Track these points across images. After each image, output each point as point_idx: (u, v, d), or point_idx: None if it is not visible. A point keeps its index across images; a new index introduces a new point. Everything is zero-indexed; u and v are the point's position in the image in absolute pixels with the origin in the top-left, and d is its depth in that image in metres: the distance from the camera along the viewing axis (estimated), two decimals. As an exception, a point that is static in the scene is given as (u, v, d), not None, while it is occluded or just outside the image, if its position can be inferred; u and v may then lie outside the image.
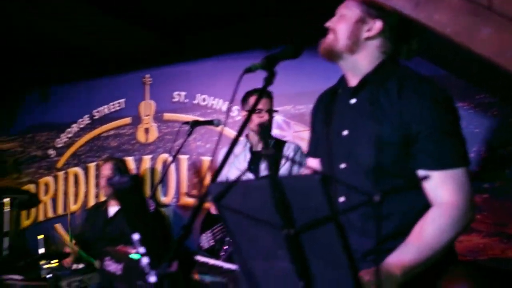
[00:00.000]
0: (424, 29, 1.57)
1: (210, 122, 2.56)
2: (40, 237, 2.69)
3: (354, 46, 1.31)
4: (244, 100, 2.60)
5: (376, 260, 1.13)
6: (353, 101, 1.34)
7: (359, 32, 1.30)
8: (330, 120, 1.38)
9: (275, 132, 3.21)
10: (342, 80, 1.43)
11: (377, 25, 1.31)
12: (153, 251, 1.12)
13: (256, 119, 2.48)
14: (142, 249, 1.14)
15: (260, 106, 2.47)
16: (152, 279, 1.15)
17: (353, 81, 1.36)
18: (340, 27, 1.31)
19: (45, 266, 2.49)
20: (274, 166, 2.52)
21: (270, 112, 2.50)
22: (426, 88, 1.22)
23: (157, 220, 3.36)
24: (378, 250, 1.14)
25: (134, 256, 1.52)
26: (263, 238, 0.89)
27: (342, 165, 1.31)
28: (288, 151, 2.53)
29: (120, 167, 3.36)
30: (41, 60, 4.43)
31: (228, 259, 2.58)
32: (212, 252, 2.72)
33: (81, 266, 3.38)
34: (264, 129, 0.73)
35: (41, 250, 2.63)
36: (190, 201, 3.70)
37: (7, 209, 2.52)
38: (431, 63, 2.55)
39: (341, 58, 1.34)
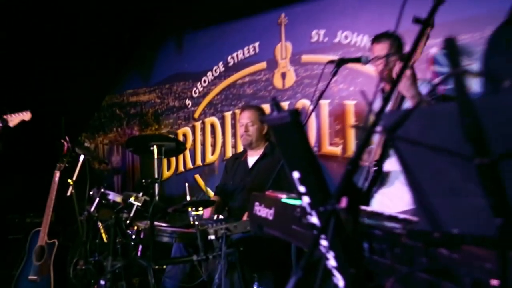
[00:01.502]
0: None
1: (357, 60, 2.53)
2: (186, 185, 2.99)
3: None
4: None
5: None
6: None
7: None
8: None
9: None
10: None
11: None
12: (314, 190, 1.17)
13: (378, 67, 2.64)
14: (302, 188, 1.19)
15: (376, 53, 2.55)
16: (314, 220, 1.21)
17: None
18: None
19: (193, 213, 2.77)
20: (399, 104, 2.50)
21: (389, 56, 2.67)
22: None
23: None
24: None
25: (287, 200, 1.60)
26: (449, 171, 0.87)
27: None
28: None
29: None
30: (174, 7, 4.77)
31: None
32: None
33: (221, 216, 3.71)
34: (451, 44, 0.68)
35: (188, 197, 2.93)
36: (333, 150, 3.73)
37: (155, 156, 2.84)
38: None
39: None
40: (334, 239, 1.05)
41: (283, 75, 4.07)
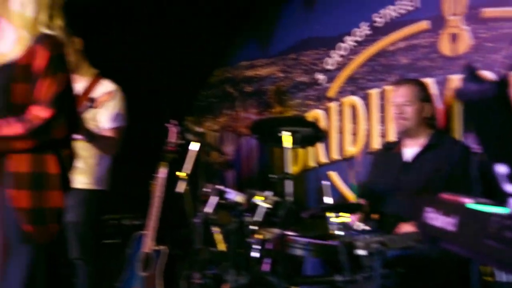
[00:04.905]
0: None
1: None
2: (326, 183, 3.04)
3: None
4: None
5: None
6: None
7: None
8: None
9: None
10: None
11: None
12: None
13: None
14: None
15: None
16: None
17: None
18: None
19: (334, 220, 2.82)
20: None
21: None
22: None
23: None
24: None
25: (475, 206, 1.57)
26: None
27: None
28: None
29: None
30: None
31: None
32: None
33: (367, 227, 3.71)
34: None
35: (328, 199, 2.98)
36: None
37: (287, 145, 2.93)
38: None
39: None
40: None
41: (454, 37, 3.92)
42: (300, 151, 4.87)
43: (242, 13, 5.50)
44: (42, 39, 2.13)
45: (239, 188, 4.85)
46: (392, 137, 4.12)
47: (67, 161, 2.21)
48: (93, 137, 3.48)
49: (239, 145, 5.55)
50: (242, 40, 5.67)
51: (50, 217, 2.14)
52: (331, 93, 4.78)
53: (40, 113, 2.06)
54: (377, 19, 4.42)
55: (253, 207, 3.08)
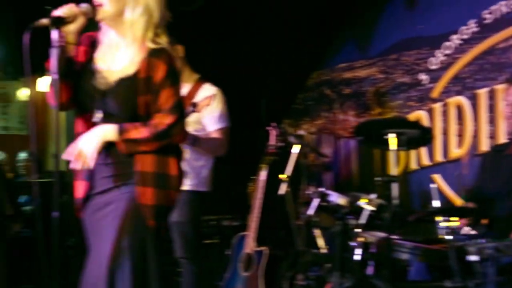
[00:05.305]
0: None
1: None
2: (434, 186, 2.96)
3: None
4: None
5: None
6: None
7: None
8: None
9: None
10: None
11: None
12: None
13: None
14: None
15: None
16: None
17: None
18: None
19: (442, 224, 2.73)
20: None
21: None
22: None
23: None
24: None
25: None
26: None
27: None
28: None
29: None
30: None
31: None
32: None
33: (473, 232, 3.57)
34: None
35: (436, 203, 2.89)
36: None
37: (392, 147, 2.86)
38: None
39: None
40: None
41: None
42: (401, 153, 4.77)
43: (341, 15, 5.46)
44: (157, 53, 2.25)
45: (336, 190, 4.83)
46: (502, 138, 3.96)
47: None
48: (195, 141, 3.55)
49: (337, 147, 5.50)
50: (340, 41, 5.64)
51: (168, 215, 2.31)
52: (435, 93, 4.66)
53: (163, 119, 2.22)
54: (487, 16, 4.28)
55: (356, 209, 3.03)
